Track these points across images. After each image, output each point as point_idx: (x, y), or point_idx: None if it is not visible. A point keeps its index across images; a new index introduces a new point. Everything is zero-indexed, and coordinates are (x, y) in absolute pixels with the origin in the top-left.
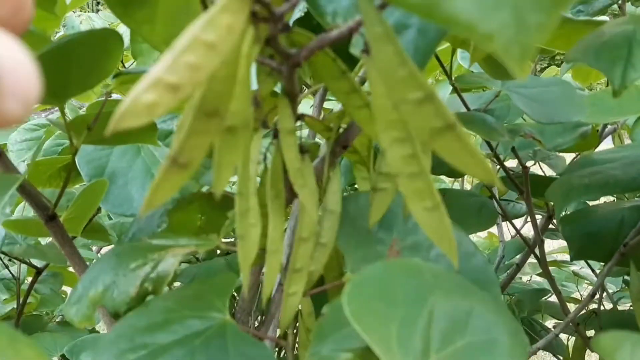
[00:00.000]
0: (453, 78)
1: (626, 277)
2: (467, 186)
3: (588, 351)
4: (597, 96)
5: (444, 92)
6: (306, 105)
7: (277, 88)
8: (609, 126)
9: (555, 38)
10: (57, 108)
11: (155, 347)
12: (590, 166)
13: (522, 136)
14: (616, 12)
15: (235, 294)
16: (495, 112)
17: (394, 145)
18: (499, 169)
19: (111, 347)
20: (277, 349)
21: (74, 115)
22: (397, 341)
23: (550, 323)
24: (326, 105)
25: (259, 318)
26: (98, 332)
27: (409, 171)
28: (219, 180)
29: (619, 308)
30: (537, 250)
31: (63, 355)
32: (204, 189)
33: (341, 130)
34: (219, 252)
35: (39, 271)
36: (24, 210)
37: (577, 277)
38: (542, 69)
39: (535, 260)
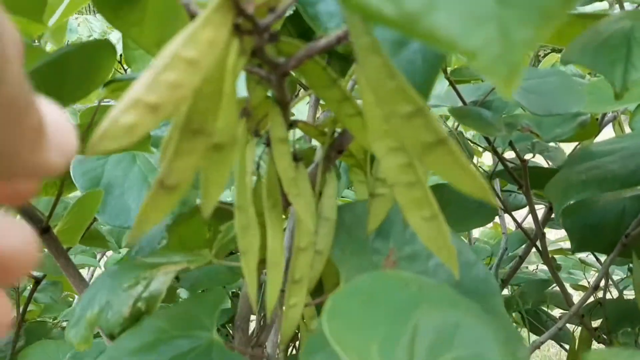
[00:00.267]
0: (450, 71)
1: (632, 265)
2: None
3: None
4: (596, 85)
5: (442, 85)
6: (304, 102)
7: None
8: (609, 114)
9: None
10: None
11: None
12: (588, 160)
13: (520, 130)
14: None
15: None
16: (493, 103)
17: (389, 155)
18: (497, 162)
19: None
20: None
21: (74, 119)
22: (379, 358)
23: (557, 312)
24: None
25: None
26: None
27: (406, 180)
28: (207, 200)
29: (626, 295)
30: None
31: None
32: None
33: (336, 134)
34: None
35: (37, 281)
36: None
37: (584, 264)
38: (545, 55)
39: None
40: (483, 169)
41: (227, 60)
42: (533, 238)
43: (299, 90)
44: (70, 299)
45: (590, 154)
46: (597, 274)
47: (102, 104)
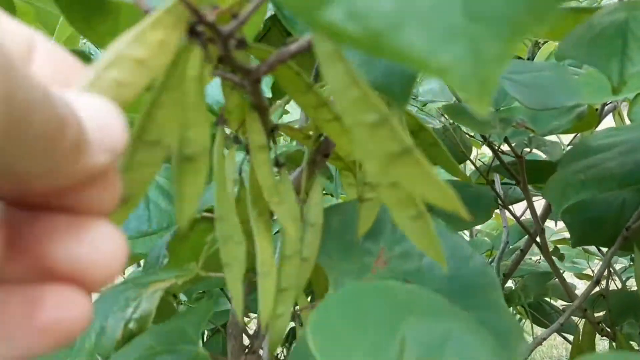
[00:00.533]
0: None
1: (634, 256)
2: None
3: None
4: (593, 75)
5: (437, 80)
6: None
7: None
8: (609, 103)
9: None
10: None
11: None
12: (585, 155)
13: (515, 126)
14: None
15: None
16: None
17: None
18: (494, 158)
19: None
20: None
21: None
22: None
23: (561, 303)
24: None
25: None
26: None
27: (389, 181)
28: (181, 213)
29: (629, 286)
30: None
31: None
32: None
33: (323, 138)
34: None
35: None
36: None
37: (587, 253)
38: (545, 42)
39: None
40: (482, 161)
41: (187, 68)
42: (533, 234)
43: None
44: None
45: (587, 149)
46: (599, 264)
47: None
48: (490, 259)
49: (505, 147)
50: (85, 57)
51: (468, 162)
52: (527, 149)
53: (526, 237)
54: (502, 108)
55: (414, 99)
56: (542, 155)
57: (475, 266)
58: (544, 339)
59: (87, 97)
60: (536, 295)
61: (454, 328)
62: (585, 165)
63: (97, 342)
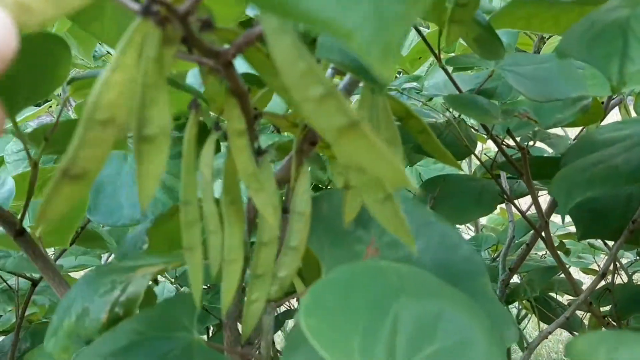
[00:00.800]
0: (446, 60)
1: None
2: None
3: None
4: None
5: (440, 74)
6: None
7: None
8: (615, 97)
9: (544, 21)
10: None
11: None
12: (590, 150)
13: (517, 116)
14: None
15: None
16: (496, 90)
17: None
18: (498, 152)
19: None
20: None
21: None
22: (359, 355)
23: (567, 298)
24: None
25: None
26: None
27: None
28: (142, 193)
29: (636, 280)
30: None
31: None
32: None
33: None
34: None
35: (34, 283)
36: None
37: (593, 248)
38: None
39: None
40: (488, 156)
41: (143, 50)
42: (538, 228)
43: None
44: None
45: (592, 143)
46: (606, 259)
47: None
48: (495, 254)
49: (511, 142)
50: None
51: (473, 157)
52: (531, 142)
53: (531, 232)
54: (508, 101)
55: (417, 93)
56: (548, 150)
57: (462, 254)
58: (550, 333)
59: None
60: (542, 289)
61: (447, 307)
62: (592, 162)
63: (78, 323)
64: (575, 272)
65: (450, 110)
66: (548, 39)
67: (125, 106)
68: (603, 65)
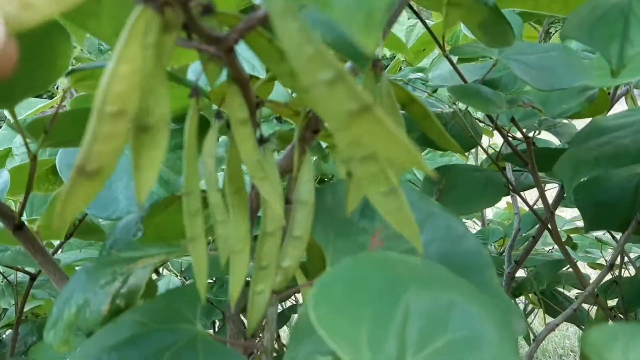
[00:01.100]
0: (450, 50)
1: None
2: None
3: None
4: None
5: (445, 65)
6: None
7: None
8: (622, 87)
9: (552, 2)
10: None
11: None
12: (598, 135)
13: (521, 106)
14: None
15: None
16: (501, 80)
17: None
18: (504, 143)
19: None
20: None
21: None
22: (368, 346)
23: (574, 292)
24: None
25: None
26: None
27: (361, 155)
28: (140, 185)
29: None
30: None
31: None
32: None
33: (311, 114)
34: None
35: (32, 277)
36: None
37: (600, 243)
38: (557, 31)
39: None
40: (494, 149)
41: (144, 38)
42: (544, 220)
43: None
44: None
45: (600, 129)
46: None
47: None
48: (502, 248)
49: (517, 135)
50: (61, 30)
51: (479, 152)
52: (537, 133)
53: (537, 225)
54: (513, 91)
55: (423, 84)
56: (554, 143)
57: (468, 246)
58: (557, 325)
59: None
60: (549, 283)
61: (458, 298)
62: (599, 143)
63: (78, 315)
64: (582, 267)
65: (456, 103)
66: (554, 33)
67: (135, 97)
68: (603, 47)
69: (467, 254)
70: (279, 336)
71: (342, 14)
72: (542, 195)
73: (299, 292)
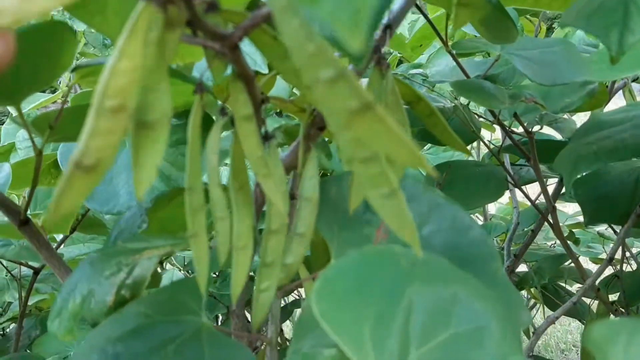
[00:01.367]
0: (451, 45)
1: None
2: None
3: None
4: (604, 53)
5: (446, 61)
6: None
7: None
8: (620, 81)
9: (552, 0)
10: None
11: (128, 357)
12: (598, 130)
13: (523, 101)
14: None
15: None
16: (500, 75)
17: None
18: (505, 137)
19: (83, 359)
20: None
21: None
22: (371, 340)
23: (576, 287)
24: None
25: None
26: None
27: (362, 156)
28: (139, 182)
29: None
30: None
31: None
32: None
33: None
34: None
35: (36, 271)
36: None
37: (602, 237)
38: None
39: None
40: (495, 145)
41: (146, 34)
42: (544, 212)
43: None
44: None
45: (600, 123)
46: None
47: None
48: (504, 243)
49: (519, 129)
50: (67, 28)
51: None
52: (538, 127)
53: (537, 219)
54: (511, 86)
55: (424, 79)
56: (556, 136)
57: (474, 236)
58: (557, 318)
59: None
60: (551, 277)
61: (461, 293)
62: (598, 137)
63: (83, 305)
64: (586, 262)
65: (457, 98)
66: (556, 29)
67: (135, 93)
68: (603, 35)
69: (473, 244)
70: (281, 330)
71: (328, 11)
72: (544, 189)
73: (301, 286)
